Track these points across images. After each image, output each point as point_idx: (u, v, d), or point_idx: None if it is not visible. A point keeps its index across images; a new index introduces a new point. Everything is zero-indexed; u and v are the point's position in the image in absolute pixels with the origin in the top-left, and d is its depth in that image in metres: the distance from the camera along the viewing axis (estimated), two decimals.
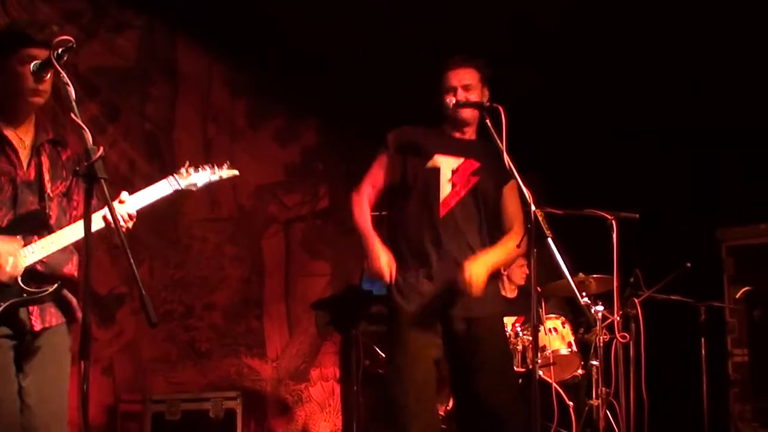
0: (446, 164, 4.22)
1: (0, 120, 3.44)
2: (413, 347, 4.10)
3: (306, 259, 7.33)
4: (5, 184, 3.41)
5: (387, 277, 4.07)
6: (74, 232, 3.42)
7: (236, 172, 3.81)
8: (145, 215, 3.59)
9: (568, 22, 6.25)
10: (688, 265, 5.67)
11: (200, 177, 3.68)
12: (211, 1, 6.49)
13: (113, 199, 3.36)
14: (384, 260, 4.05)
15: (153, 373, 6.54)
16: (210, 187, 3.75)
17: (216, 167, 3.75)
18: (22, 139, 3.49)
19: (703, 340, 6.03)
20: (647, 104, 6.59)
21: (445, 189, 4.19)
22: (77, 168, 3.42)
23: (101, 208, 3.40)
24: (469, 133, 4.33)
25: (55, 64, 3.13)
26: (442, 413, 5.39)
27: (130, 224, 3.48)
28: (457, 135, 4.32)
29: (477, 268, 4.03)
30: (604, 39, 6.35)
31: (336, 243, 7.29)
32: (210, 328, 6.84)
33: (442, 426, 5.27)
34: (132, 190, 3.67)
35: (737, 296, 6.37)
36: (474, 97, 4.20)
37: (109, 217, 3.16)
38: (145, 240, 6.23)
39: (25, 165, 3.46)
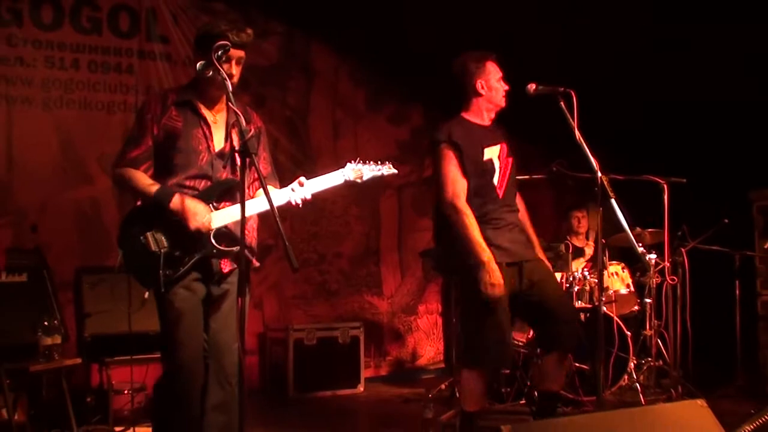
0: (493, 153, 4.34)
1: (199, 100, 3.65)
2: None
3: (414, 217, 7.74)
4: (204, 152, 3.61)
5: (498, 293, 4.09)
6: (256, 205, 3.56)
7: (396, 171, 3.83)
8: None
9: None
10: (726, 221, 5.95)
11: (366, 171, 3.73)
12: (339, 12, 6.89)
13: (293, 180, 3.67)
14: (496, 278, 4.08)
15: (294, 308, 7.11)
16: (372, 181, 3.78)
17: (380, 163, 3.77)
18: (215, 116, 3.67)
19: (737, 282, 6.26)
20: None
21: (497, 175, 4.35)
22: (233, 145, 3.63)
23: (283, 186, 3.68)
24: (492, 117, 4.44)
25: (216, 63, 3.32)
26: (524, 340, 5.80)
27: (303, 203, 3.66)
28: (486, 123, 4.41)
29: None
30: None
31: None
32: (338, 272, 7.40)
33: (522, 350, 5.75)
34: (278, 167, 3.96)
35: (765, 246, 6.48)
36: None
37: (266, 198, 3.27)
38: None
39: (215, 139, 3.63)
